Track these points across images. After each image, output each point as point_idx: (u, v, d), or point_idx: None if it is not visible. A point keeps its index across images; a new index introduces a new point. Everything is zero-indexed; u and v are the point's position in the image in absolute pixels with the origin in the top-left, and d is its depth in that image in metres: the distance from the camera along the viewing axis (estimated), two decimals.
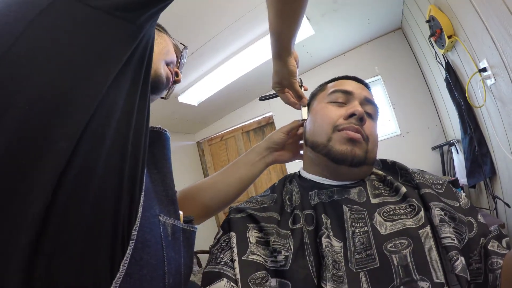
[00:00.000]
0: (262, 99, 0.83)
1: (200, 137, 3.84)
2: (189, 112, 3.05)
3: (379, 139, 0.70)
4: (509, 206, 1.20)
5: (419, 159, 2.28)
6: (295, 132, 0.83)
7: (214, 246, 0.58)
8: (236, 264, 0.50)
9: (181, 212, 0.55)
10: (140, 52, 0.44)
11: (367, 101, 0.68)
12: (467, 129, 1.50)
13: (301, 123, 0.79)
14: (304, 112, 0.77)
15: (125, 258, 0.36)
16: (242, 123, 3.52)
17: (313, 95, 0.78)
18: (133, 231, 0.38)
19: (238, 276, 0.49)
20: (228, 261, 0.53)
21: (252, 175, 0.82)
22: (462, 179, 1.70)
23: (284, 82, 0.74)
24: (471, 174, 1.53)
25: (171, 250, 0.46)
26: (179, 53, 0.78)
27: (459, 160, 1.81)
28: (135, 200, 0.40)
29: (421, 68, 2.38)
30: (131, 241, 0.37)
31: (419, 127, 2.37)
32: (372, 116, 0.68)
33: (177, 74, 0.76)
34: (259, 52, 2.21)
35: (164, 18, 0.83)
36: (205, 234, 2.52)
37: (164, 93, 0.76)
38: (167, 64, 0.71)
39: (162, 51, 0.70)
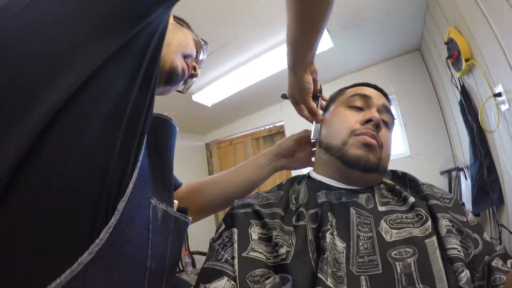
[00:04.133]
0: (283, 96, 0.83)
1: (209, 139, 3.87)
2: (201, 112, 3.08)
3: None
4: None
5: (427, 182, 2.21)
6: (306, 141, 0.83)
7: (216, 240, 0.58)
8: (236, 261, 0.50)
9: (176, 201, 0.55)
10: (145, 38, 0.43)
11: (385, 109, 0.68)
12: (477, 154, 1.48)
13: (313, 139, 0.77)
14: (315, 131, 0.75)
15: (107, 226, 0.35)
16: (253, 129, 3.53)
17: (332, 99, 0.78)
18: (120, 203, 0.37)
19: (236, 273, 0.48)
20: (229, 258, 0.52)
21: (260, 178, 0.82)
22: (469, 205, 1.66)
23: (297, 97, 0.72)
24: (477, 201, 1.48)
25: (159, 234, 0.45)
26: (199, 49, 0.79)
27: (466, 186, 1.77)
28: (127, 173, 0.40)
29: (436, 92, 2.36)
30: (116, 212, 0.36)
31: (429, 150, 2.33)
32: (388, 125, 0.68)
33: (194, 68, 0.76)
34: (278, 59, 2.23)
35: (188, 14, 0.86)
36: (202, 235, 2.50)
37: (180, 87, 0.78)
38: (185, 57, 0.72)
39: (181, 44, 0.70)
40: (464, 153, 1.91)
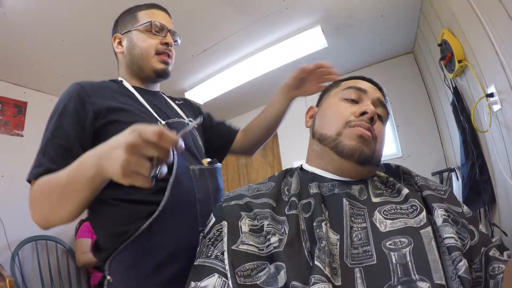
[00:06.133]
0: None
1: None
2: None
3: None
4: (506, 235, 1.18)
5: None
6: (310, 70, 0.89)
7: (206, 235, 0.58)
8: (225, 256, 0.49)
9: (208, 159, 0.83)
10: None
11: (380, 103, 0.68)
12: (469, 154, 1.49)
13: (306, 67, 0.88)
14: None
15: (168, 188, 0.68)
16: None
17: (326, 90, 0.77)
18: (171, 176, 0.69)
19: (227, 268, 0.48)
20: (219, 254, 0.52)
21: (281, 110, 0.99)
22: None
23: None
24: (468, 201, 1.49)
25: (199, 180, 0.75)
26: (157, 27, 0.85)
27: (458, 186, 1.79)
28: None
29: (428, 94, 2.39)
30: (169, 181, 0.68)
31: (421, 151, 2.36)
32: (382, 118, 0.68)
33: (167, 44, 0.84)
34: (272, 57, 2.23)
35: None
36: None
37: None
38: (158, 50, 0.83)
39: (144, 50, 0.82)
40: (455, 154, 1.93)
